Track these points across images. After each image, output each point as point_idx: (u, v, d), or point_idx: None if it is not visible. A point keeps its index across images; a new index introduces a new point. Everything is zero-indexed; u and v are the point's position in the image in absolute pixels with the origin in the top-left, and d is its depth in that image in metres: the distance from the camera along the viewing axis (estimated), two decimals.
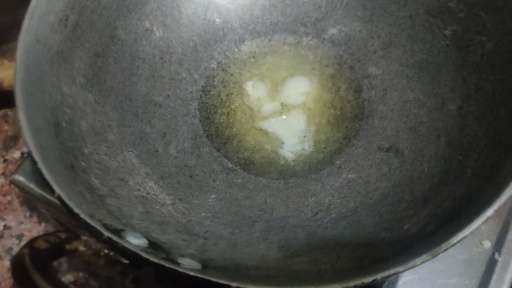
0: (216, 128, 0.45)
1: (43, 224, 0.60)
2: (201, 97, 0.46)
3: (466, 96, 0.41)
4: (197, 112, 0.46)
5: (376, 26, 0.47)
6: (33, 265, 0.24)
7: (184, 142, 0.44)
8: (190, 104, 0.46)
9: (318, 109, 0.46)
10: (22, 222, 0.60)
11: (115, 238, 0.29)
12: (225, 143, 0.44)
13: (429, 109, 0.42)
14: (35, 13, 0.38)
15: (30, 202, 0.60)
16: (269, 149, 0.44)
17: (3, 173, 0.62)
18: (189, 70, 0.47)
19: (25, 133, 0.33)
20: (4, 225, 0.60)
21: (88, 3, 0.43)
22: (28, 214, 0.60)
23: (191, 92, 0.47)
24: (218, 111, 0.46)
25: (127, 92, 0.44)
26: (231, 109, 0.46)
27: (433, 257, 0.29)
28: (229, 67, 0.48)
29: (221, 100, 0.47)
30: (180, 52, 0.48)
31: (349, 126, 0.45)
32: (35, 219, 0.60)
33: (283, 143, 0.45)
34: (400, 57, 0.45)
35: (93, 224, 0.29)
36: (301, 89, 0.47)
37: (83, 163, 0.37)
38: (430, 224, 0.34)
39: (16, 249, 0.58)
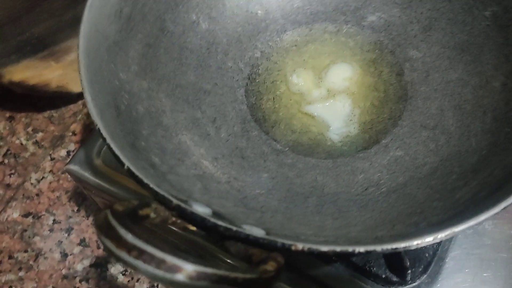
0: (263, 113, 0.47)
1: (90, 218, 0.61)
2: (247, 85, 0.48)
3: (509, 72, 0.42)
4: (244, 99, 0.47)
5: (415, 11, 0.48)
6: (116, 221, 0.26)
7: (233, 126, 0.45)
8: (237, 91, 0.48)
9: (362, 93, 0.47)
10: (70, 217, 0.62)
11: (183, 205, 0.31)
12: (272, 126, 0.46)
13: (473, 87, 0.43)
14: (93, 5, 0.41)
15: (77, 197, 0.62)
16: (316, 131, 0.46)
17: (51, 171, 0.65)
18: (235, 60, 0.49)
19: (92, 113, 0.35)
20: (54, 220, 0.62)
21: None
22: (76, 208, 0.62)
23: (237, 80, 0.48)
24: (264, 97, 0.48)
25: (177, 80, 0.46)
26: (276, 95, 0.48)
27: (494, 213, 0.30)
28: (272, 55, 0.50)
29: (267, 87, 0.48)
30: (225, 43, 0.49)
31: (393, 107, 0.46)
32: (83, 213, 0.62)
33: (329, 126, 0.46)
34: (441, 40, 0.47)
35: (162, 193, 0.31)
36: (344, 74, 0.48)
37: (143, 143, 0.39)
38: (482, 191, 0.35)
39: (66, 242, 0.60)
